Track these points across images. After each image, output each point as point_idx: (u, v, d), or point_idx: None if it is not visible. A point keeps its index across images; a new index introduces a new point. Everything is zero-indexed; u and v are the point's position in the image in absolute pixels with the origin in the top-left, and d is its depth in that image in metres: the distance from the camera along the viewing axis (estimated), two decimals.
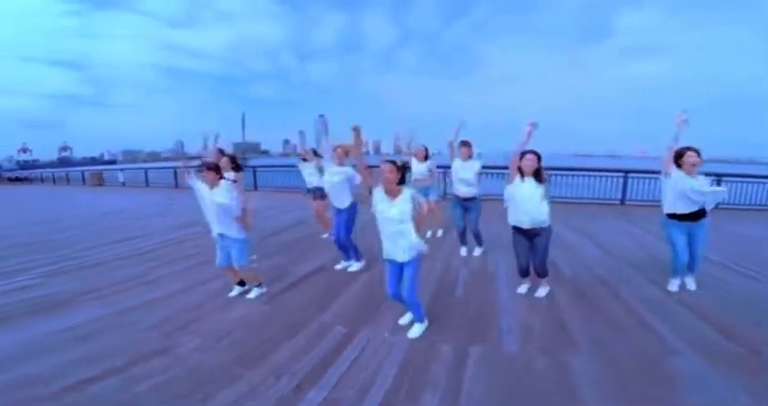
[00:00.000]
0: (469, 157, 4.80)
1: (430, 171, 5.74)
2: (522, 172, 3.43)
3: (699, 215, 3.54)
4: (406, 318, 3.16)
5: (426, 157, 5.77)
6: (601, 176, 9.93)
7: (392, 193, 2.74)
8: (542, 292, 3.71)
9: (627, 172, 9.57)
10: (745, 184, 9.51)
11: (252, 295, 3.79)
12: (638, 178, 9.45)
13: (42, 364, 2.68)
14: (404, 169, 2.78)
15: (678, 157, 3.51)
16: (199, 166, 3.66)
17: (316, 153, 5.97)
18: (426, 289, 3.85)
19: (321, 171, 5.26)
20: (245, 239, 3.70)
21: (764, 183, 9.46)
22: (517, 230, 3.55)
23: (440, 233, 6.19)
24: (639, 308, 3.43)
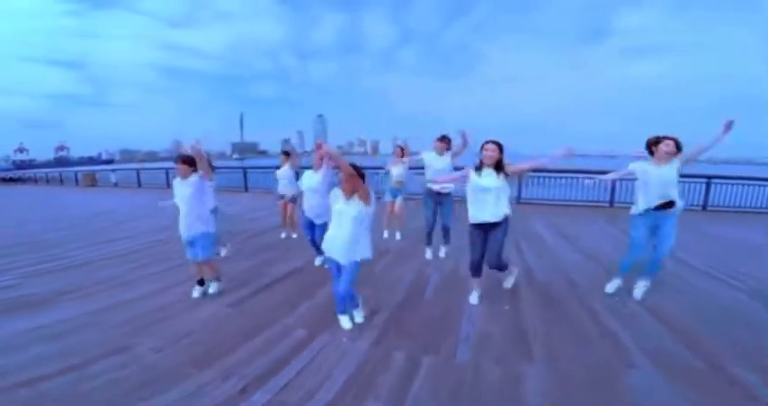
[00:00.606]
0: (447, 150, 4.88)
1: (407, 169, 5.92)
2: (480, 164, 3.43)
3: (669, 204, 3.56)
4: (346, 322, 3.29)
5: (403, 155, 5.93)
6: (589, 178, 10.05)
7: (349, 192, 2.97)
8: (509, 282, 3.86)
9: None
10: (733, 186, 9.74)
11: (211, 289, 3.97)
12: (626, 180, 9.55)
13: (6, 360, 2.82)
14: (362, 173, 2.99)
15: (654, 144, 3.56)
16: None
17: (288, 154, 6.11)
18: (396, 293, 4.00)
19: (297, 175, 5.37)
20: (211, 233, 3.91)
21: (754, 185, 9.67)
22: (474, 225, 3.54)
23: (398, 235, 6.29)
24: (608, 317, 3.45)
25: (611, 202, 9.61)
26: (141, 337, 3.14)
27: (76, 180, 20.14)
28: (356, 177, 2.93)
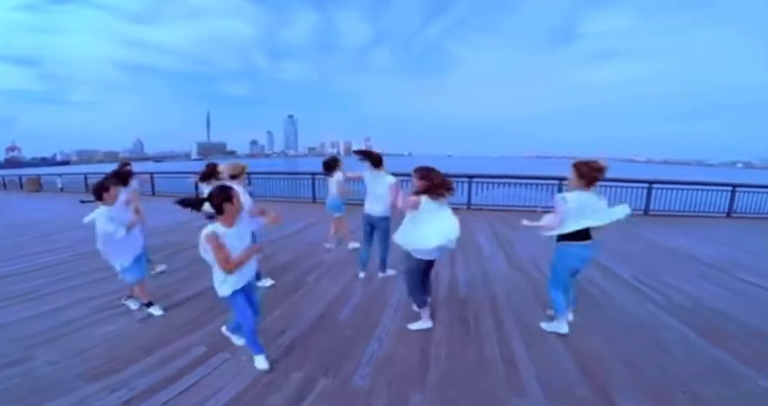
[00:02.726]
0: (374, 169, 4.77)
1: (338, 182, 5.95)
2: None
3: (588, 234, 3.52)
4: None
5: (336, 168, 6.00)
6: (537, 184, 10.78)
7: (233, 223, 2.90)
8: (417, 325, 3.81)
9: (561, 179, 10.31)
10: (674, 191, 10.45)
11: (132, 306, 4.12)
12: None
13: None
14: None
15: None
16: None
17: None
18: (314, 309, 4.18)
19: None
20: (128, 267, 4.01)
21: (694, 190, 10.45)
22: (422, 262, 3.54)
23: (333, 244, 6.54)
24: (515, 338, 3.58)
25: None
26: (41, 350, 3.33)
27: (21, 185, 19.49)
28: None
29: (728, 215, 10.29)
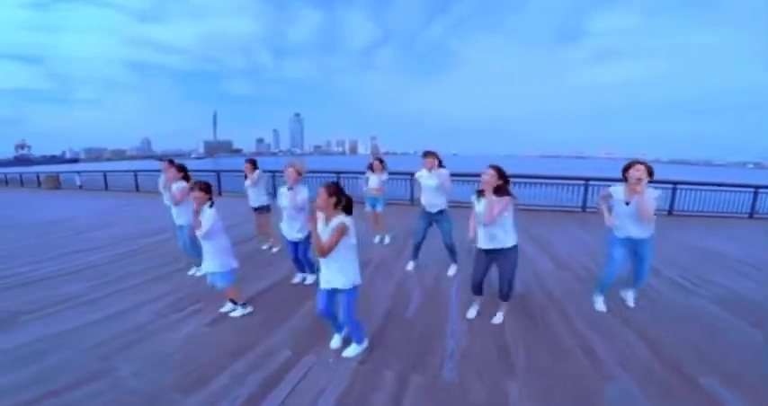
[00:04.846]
0: (439, 166, 4.70)
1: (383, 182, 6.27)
2: (481, 191, 3.34)
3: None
4: (335, 341, 3.23)
5: (382, 168, 6.28)
6: (563, 184, 10.55)
7: (328, 216, 2.78)
8: (499, 317, 3.68)
9: (587, 179, 10.14)
10: (698, 192, 10.22)
11: (236, 313, 3.86)
12: (598, 185, 9.92)
13: None
14: (340, 193, 2.76)
15: (625, 170, 3.50)
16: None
17: (255, 165, 6.01)
18: (379, 308, 4.00)
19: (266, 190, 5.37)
20: (228, 272, 3.74)
21: (716, 191, 10.27)
22: (480, 249, 3.52)
23: (387, 239, 6.49)
24: (584, 329, 3.55)
25: (584, 207, 9.92)
26: (118, 360, 3.07)
27: (38, 182, 19.22)
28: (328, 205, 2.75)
29: (751, 216, 9.97)
